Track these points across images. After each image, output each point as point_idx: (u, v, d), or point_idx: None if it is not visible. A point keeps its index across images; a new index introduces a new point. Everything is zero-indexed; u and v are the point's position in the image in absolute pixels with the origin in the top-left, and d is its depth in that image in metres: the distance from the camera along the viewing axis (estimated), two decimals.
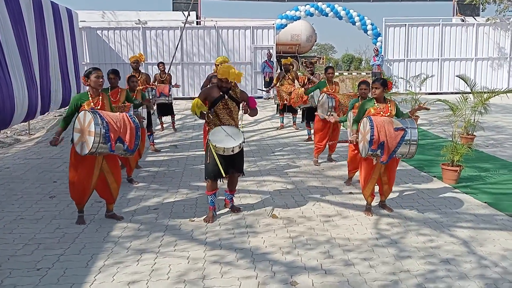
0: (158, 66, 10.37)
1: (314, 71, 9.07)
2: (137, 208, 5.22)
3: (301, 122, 9.96)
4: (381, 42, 17.34)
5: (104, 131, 4.20)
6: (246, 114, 4.86)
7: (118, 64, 15.37)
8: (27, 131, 10.90)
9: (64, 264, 3.73)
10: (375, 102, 4.87)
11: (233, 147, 4.55)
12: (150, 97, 8.23)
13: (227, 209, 5.10)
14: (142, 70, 9.05)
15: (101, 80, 4.54)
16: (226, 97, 4.72)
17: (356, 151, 5.88)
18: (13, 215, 4.93)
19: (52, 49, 10.22)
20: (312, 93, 7.88)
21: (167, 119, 10.84)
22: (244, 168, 5.04)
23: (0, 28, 7.30)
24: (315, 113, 7.33)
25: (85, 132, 4.24)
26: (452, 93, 15.27)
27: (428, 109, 5.15)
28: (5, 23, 7.57)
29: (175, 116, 10.65)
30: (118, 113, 4.53)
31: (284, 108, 10.42)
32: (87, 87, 4.61)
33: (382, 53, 16.75)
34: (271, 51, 16.12)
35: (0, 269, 3.65)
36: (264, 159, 7.72)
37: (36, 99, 8.63)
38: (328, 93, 7.13)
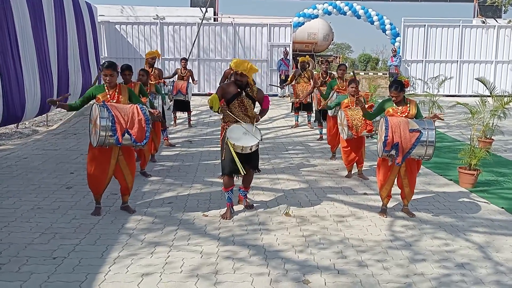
0: (180, 62, 10.42)
1: (328, 70, 9.04)
2: (152, 201, 5.27)
3: (314, 121, 9.94)
4: (400, 42, 17.16)
5: (111, 124, 4.27)
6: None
7: (136, 58, 15.51)
8: (45, 123, 11.07)
9: (80, 254, 3.79)
10: (394, 103, 4.82)
11: (252, 146, 4.56)
12: (163, 92, 8.32)
13: (241, 205, 5.11)
14: (159, 66, 9.10)
15: (108, 78, 4.56)
16: (243, 94, 4.72)
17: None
18: (30, 205, 5.02)
19: (72, 42, 10.34)
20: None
21: (182, 114, 10.90)
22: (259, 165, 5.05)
23: (18, 21, 7.36)
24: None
25: (95, 125, 4.34)
26: (470, 96, 15.03)
27: (442, 119, 5.02)
28: (24, 16, 7.64)
29: (191, 112, 10.70)
30: (130, 105, 4.58)
31: (299, 107, 10.40)
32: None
33: (400, 54, 16.57)
34: (287, 49, 16.08)
35: (17, 256, 3.72)
36: (278, 157, 7.71)
37: (50, 93, 8.70)
38: (338, 90, 7.21)
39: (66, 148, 8.17)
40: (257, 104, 4.91)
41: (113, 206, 5.01)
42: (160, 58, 9.21)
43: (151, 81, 8.00)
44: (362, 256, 3.88)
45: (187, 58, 10.84)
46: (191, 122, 10.70)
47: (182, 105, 10.08)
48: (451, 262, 3.81)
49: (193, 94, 15.40)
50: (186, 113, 10.56)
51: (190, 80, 10.14)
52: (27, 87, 7.59)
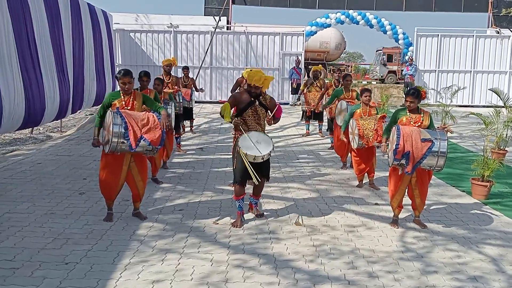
0: (182, 71, 10.49)
1: (340, 79, 9.08)
2: (163, 208, 5.30)
3: (326, 130, 9.93)
4: (412, 52, 17.10)
5: (124, 131, 4.32)
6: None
7: (149, 66, 15.68)
8: (59, 129, 11.23)
9: (92, 260, 3.83)
10: (408, 112, 4.80)
11: (263, 155, 4.58)
12: (180, 101, 8.43)
13: (251, 213, 5.12)
14: (172, 73, 9.19)
15: (127, 86, 4.62)
16: (256, 103, 4.75)
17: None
18: (44, 210, 5.09)
19: (88, 49, 10.52)
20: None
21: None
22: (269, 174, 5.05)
23: (36, 28, 7.52)
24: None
25: (108, 131, 4.40)
26: (484, 106, 14.89)
27: (452, 132, 4.99)
28: (43, 23, 7.81)
29: (193, 120, 10.79)
30: (143, 112, 4.64)
31: (311, 115, 10.41)
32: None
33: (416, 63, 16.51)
34: (299, 57, 16.12)
35: (30, 261, 3.77)
36: (289, 165, 7.71)
37: (67, 98, 8.87)
38: (346, 100, 7.27)
39: (79, 154, 8.27)
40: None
41: (125, 213, 5.05)
42: (176, 65, 9.36)
43: (169, 88, 8.13)
44: (373, 267, 3.86)
45: (188, 66, 10.89)
46: (193, 128, 10.78)
47: (187, 113, 10.02)
48: (463, 274, 3.77)
49: (204, 102, 15.64)
50: (189, 121, 10.60)
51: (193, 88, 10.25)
52: (47, 92, 7.74)
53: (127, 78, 4.61)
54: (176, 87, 8.65)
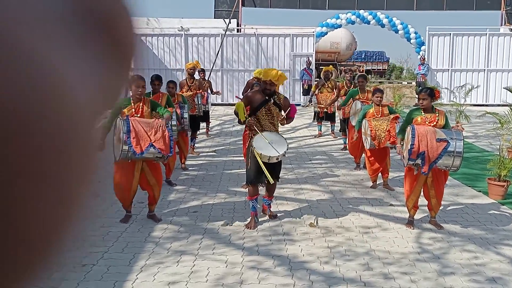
0: (198, 73, 10.48)
1: (352, 79, 9.04)
2: (177, 210, 5.33)
3: (339, 131, 9.89)
4: (424, 51, 16.95)
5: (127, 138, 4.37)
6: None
7: (161, 69, 15.77)
8: None
9: (108, 262, 3.86)
10: (422, 111, 4.76)
11: (278, 156, 4.58)
12: (200, 103, 8.48)
13: (264, 215, 5.12)
14: (182, 76, 9.25)
15: (140, 90, 4.66)
16: (271, 102, 4.75)
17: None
18: None
19: None
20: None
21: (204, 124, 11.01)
22: (280, 174, 5.06)
23: None
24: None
25: (118, 139, 4.46)
26: (498, 105, 14.67)
27: (462, 130, 4.83)
28: None
29: (210, 123, 10.83)
30: (154, 119, 4.67)
31: (323, 116, 10.37)
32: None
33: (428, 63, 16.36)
34: (310, 58, 16.09)
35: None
36: (302, 167, 7.69)
37: None
38: (361, 101, 7.22)
39: None
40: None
41: (140, 215, 5.09)
42: (200, 68, 9.44)
43: (191, 91, 8.23)
44: (388, 268, 3.83)
45: (204, 69, 10.92)
46: (209, 132, 10.81)
47: (203, 115, 10.06)
48: (481, 276, 3.72)
49: (216, 104, 15.69)
50: (205, 123, 10.63)
51: (209, 90, 10.26)
52: None
53: (142, 82, 4.67)
54: (199, 91, 8.70)
